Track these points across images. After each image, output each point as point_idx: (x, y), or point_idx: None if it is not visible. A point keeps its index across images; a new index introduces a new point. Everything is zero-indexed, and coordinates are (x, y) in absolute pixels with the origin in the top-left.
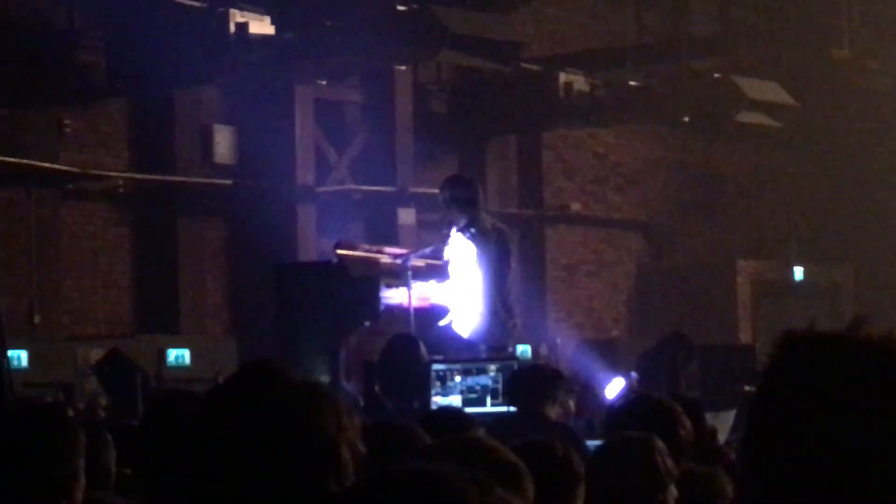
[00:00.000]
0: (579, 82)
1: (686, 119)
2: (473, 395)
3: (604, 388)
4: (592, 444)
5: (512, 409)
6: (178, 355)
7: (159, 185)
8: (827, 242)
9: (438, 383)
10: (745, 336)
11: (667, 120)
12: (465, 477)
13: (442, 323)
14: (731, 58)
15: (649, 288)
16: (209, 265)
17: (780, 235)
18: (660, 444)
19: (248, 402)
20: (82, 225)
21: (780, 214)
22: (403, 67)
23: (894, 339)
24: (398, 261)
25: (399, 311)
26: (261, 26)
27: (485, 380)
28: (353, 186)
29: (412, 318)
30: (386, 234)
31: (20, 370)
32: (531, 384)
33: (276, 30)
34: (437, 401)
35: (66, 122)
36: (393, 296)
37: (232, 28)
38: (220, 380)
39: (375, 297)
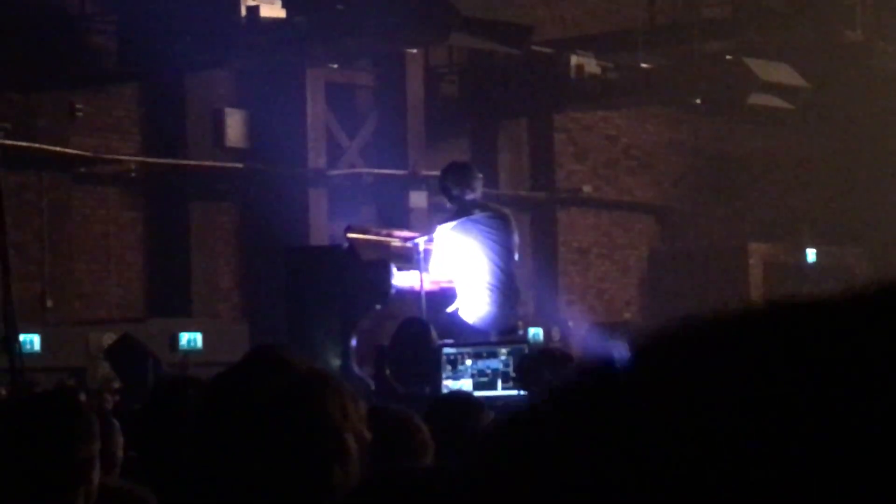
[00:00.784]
0: (591, 65)
1: (698, 101)
2: (484, 379)
3: None
4: None
5: (522, 392)
6: (191, 339)
7: (171, 168)
8: (840, 225)
9: (449, 367)
10: None
11: (679, 102)
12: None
13: (449, 310)
14: (743, 40)
15: (661, 271)
16: (221, 249)
17: (793, 218)
18: None
19: (253, 389)
20: (94, 209)
21: (793, 197)
22: (415, 51)
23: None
24: (409, 244)
25: (410, 295)
26: (272, 9)
27: (496, 363)
28: (364, 170)
29: (423, 301)
30: (397, 217)
31: (33, 354)
32: (541, 368)
33: (287, 13)
34: (448, 385)
35: (78, 105)
36: (404, 279)
37: (243, 11)
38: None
39: (386, 281)
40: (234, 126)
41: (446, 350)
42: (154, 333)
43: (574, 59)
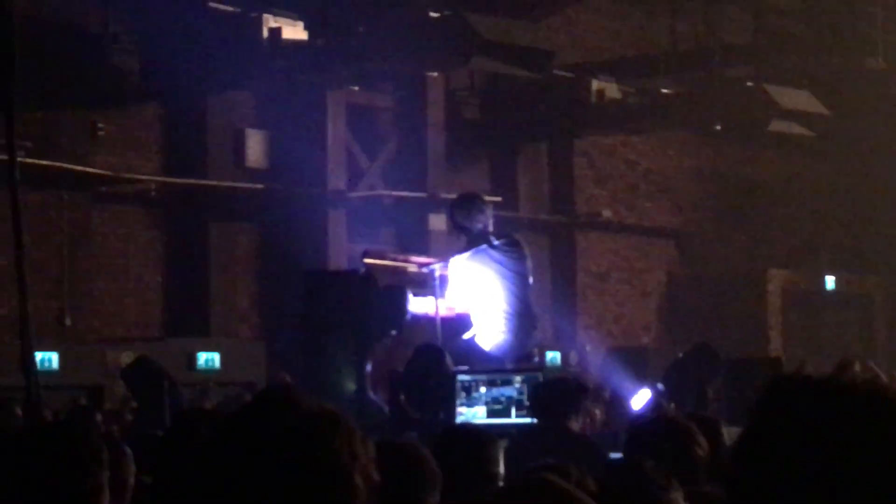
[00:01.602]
0: (612, 89)
1: (718, 127)
2: (498, 407)
3: (630, 398)
4: (616, 456)
5: (535, 420)
6: (208, 359)
7: (191, 188)
8: (859, 253)
9: (464, 394)
10: (775, 345)
11: (699, 128)
12: None
13: (465, 336)
14: (764, 66)
15: (680, 296)
16: (240, 269)
17: (812, 245)
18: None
19: (262, 431)
20: (114, 228)
21: (813, 224)
22: (436, 74)
23: (879, 382)
24: (425, 270)
25: (426, 321)
26: (294, 31)
27: (510, 391)
28: (384, 192)
29: (439, 328)
30: (416, 239)
31: (50, 372)
32: (555, 397)
33: (309, 35)
34: (462, 412)
35: (100, 124)
36: (420, 305)
37: (265, 33)
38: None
39: (403, 307)
40: (255, 147)
41: (461, 377)
42: (172, 353)
43: (595, 84)
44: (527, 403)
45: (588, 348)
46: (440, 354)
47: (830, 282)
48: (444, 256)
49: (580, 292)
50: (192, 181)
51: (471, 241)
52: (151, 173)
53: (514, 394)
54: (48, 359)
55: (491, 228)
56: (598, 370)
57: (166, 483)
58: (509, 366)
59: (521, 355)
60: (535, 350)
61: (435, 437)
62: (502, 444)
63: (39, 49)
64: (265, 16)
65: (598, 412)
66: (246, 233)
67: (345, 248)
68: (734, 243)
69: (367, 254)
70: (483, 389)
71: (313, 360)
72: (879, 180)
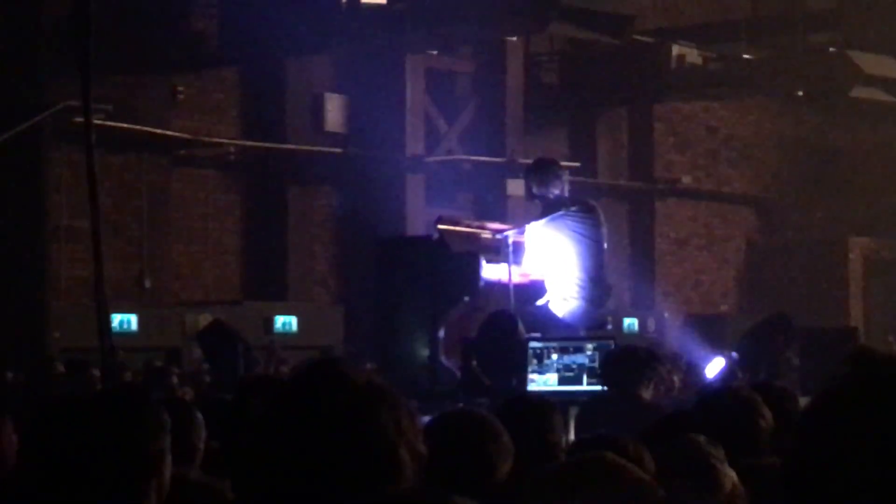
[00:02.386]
0: (692, 55)
1: (800, 93)
2: (570, 374)
3: (705, 366)
4: None
5: (606, 388)
6: (286, 322)
7: (269, 152)
8: None
9: (535, 361)
10: (855, 314)
11: (781, 94)
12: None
13: (539, 303)
14: (847, 32)
15: (759, 264)
16: (318, 233)
17: (895, 213)
18: (716, 450)
19: (310, 404)
20: (193, 191)
21: (895, 191)
22: (515, 38)
23: None
24: (499, 236)
25: (499, 288)
26: None
27: (581, 358)
28: (462, 156)
29: (512, 294)
30: (494, 204)
31: (129, 334)
32: (626, 365)
33: None
34: (534, 378)
35: (179, 88)
36: (493, 272)
37: None
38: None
39: (476, 273)
40: (334, 111)
41: (533, 344)
42: (249, 316)
43: (675, 49)
44: (598, 371)
45: (666, 315)
46: (513, 321)
47: None
48: (520, 223)
49: (659, 259)
50: (270, 145)
51: (546, 207)
52: (230, 137)
53: (586, 361)
54: (127, 321)
55: (567, 195)
56: (676, 337)
57: (230, 449)
58: (582, 333)
59: (593, 323)
60: (608, 317)
61: (500, 406)
62: (573, 412)
63: (120, 13)
64: None
65: (676, 380)
66: (324, 197)
67: (422, 213)
68: (815, 211)
69: (440, 220)
70: (555, 356)
71: (387, 326)
72: None
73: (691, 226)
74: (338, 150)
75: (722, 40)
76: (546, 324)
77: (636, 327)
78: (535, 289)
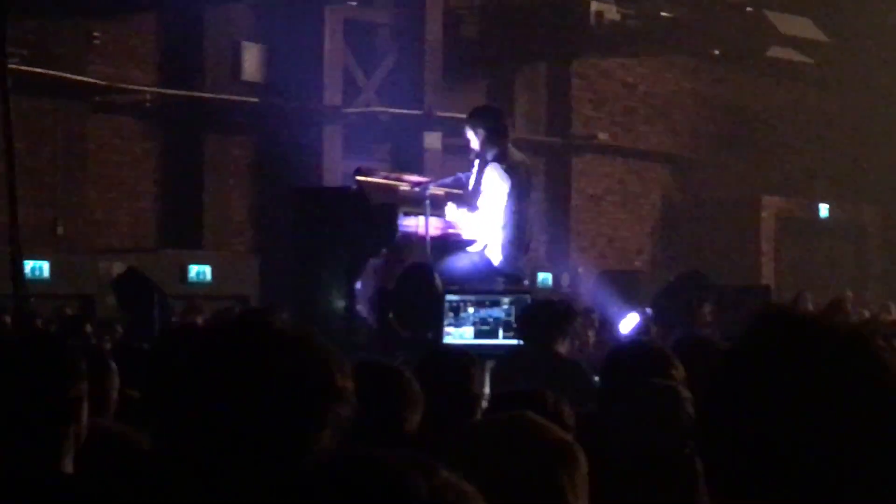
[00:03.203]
0: (611, 11)
1: (717, 52)
2: (486, 328)
3: (619, 321)
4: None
5: (521, 342)
6: (200, 271)
7: (187, 100)
8: (855, 182)
9: (451, 314)
10: (767, 272)
11: (698, 52)
12: (409, 461)
13: (471, 249)
14: None
15: (674, 220)
16: (234, 183)
17: (808, 173)
18: (686, 392)
19: (236, 352)
20: (108, 138)
21: (809, 152)
22: None
23: (870, 326)
24: (417, 189)
25: (416, 240)
26: None
27: (498, 312)
28: (380, 108)
29: (428, 247)
30: (411, 157)
31: (41, 281)
32: (542, 319)
33: None
34: (450, 331)
35: (95, 34)
36: (411, 224)
37: None
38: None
39: (393, 225)
40: (251, 60)
41: (449, 297)
42: (164, 264)
43: (594, 6)
44: (514, 325)
45: (580, 270)
46: (430, 274)
47: (825, 210)
48: (437, 176)
49: (574, 214)
50: (187, 93)
51: (501, 154)
52: (147, 84)
53: (503, 315)
54: (39, 267)
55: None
56: (590, 293)
57: (151, 398)
58: (501, 286)
59: (517, 276)
60: (526, 273)
61: (419, 358)
62: (489, 365)
63: None
64: None
65: (590, 335)
66: (241, 146)
67: (339, 165)
68: (730, 169)
69: (359, 171)
70: (471, 310)
71: (303, 276)
72: (877, 109)
73: (607, 182)
74: (255, 99)
75: None
76: (476, 270)
77: (550, 282)
78: (451, 241)
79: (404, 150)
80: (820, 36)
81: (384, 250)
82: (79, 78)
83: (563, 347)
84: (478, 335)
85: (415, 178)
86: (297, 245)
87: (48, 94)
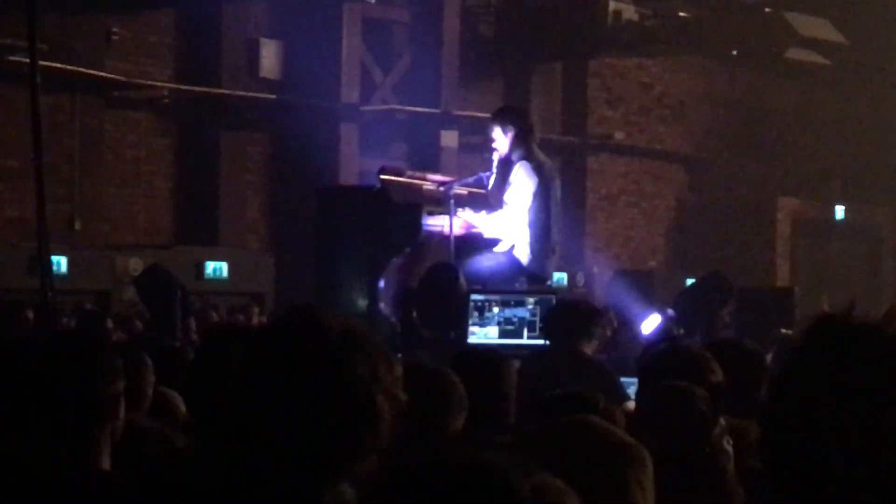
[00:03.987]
0: (629, 11)
1: (734, 53)
2: (510, 328)
3: (639, 322)
4: (626, 381)
5: (546, 342)
6: (216, 268)
7: (204, 96)
8: (870, 184)
9: (476, 314)
10: (781, 274)
11: (715, 53)
12: (514, 466)
13: (498, 249)
14: None
15: (688, 221)
16: (251, 179)
17: (824, 174)
18: (701, 391)
19: (285, 352)
20: (126, 133)
21: (825, 153)
22: None
23: None
24: (441, 188)
25: (440, 239)
26: None
27: (522, 312)
28: (397, 106)
29: (452, 246)
30: (428, 155)
31: (59, 276)
32: (569, 320)
33: None
34: (475, 331)
35: (114, 29)
36: (435, 223)
37: None
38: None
39: (417, 224)
40: (269, 57)
41: (474, 296)
42: (180, 261)
43: (612, 5)
44: (539, 325)
45: (595, 270)
46: (454, 273)
47: (840, 212)
48: (453, 175)
49: (589, 214)
50: (204, 89)
51: (517, 155)
52: (164, 80)
53: (527, 315)
54: (56, 262)
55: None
56: (605, 292)
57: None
58: (525, 286)
59: (543, 276)
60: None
61: (450, 357)
62: (514, 366)
63: None
64: None
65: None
66: (257, 143)
67: (356, 163)
68: (745, 170)
69: (383, 170)
70: (496, 310)
71: (326, 274)
72: (894, 111)
73: (622, 182)
74: (272, 96)
75: None
76: (503, 270)
77: (565, 281)
78: (474, 241)
79: (421, 148)
80: (838, 37)
81: (407, 249)
82: (97, 73)
83: (588, 349)
84: (502, 335)
85: (439, 177)
86: (320, 243)
87: (66, 90)
